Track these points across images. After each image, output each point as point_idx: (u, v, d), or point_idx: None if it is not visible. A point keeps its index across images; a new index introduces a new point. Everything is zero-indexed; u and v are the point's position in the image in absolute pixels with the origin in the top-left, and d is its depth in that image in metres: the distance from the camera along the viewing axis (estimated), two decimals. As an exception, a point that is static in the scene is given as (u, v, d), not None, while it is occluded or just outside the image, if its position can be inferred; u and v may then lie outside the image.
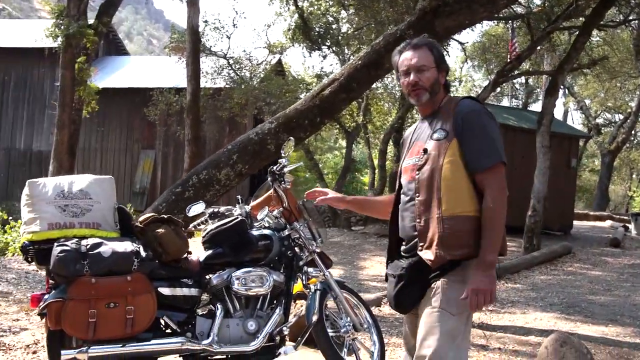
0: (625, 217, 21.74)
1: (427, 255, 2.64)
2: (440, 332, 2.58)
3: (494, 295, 2.54)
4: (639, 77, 25.42)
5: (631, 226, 17.74)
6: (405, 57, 2.80)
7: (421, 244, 2.68)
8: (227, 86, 19.51)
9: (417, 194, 2.71)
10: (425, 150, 2.72)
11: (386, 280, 2.93)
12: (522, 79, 27.58)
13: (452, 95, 2.87)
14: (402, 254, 2.85)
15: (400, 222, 2.86)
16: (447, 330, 2.58)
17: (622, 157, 32.88)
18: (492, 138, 2.67)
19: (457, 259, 2.61)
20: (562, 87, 20.57)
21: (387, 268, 2.94)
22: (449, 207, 2.62)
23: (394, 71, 3.06)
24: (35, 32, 15.12)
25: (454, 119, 2.69)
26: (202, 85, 17.01)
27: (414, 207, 2.73)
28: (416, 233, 2.71)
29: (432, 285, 2.65)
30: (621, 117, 31.26)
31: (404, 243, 2.85)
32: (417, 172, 2.73)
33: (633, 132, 29.56)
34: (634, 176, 40.02)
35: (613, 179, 34.88)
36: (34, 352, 4.80)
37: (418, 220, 2.70)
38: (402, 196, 2.87)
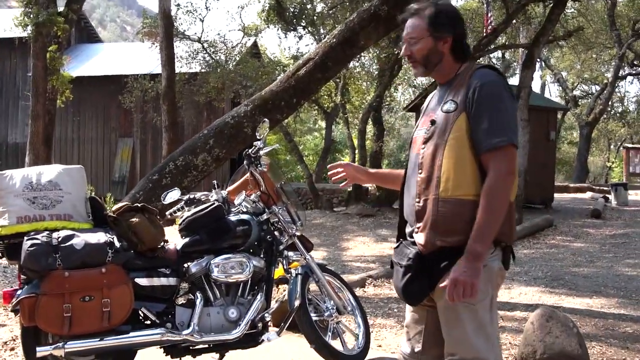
0: (605, 188, 21.94)
1: (419, 238, 2.41)
2: (466, 325, 2.37)
3: (476, 289, 2.26)
4: (614, 48, 25.56)
5: (611, 197, 17.88)
6: (404, 27, 2.56)
7: (417, 226, 2.43)
8: (202, 70, 19.32)
9: (420, 170, 2.45)
10: (432, 122, 2.46)
11: (391, 267, 2.65)
12: (499, 53, 27.58)
13: (474, 62, 2.58)
14: (408, 237, 2.55)
15: (405, 199, 2.60)
16: (472, 321, 2.37)
17: (600, 128, 33.14)
18: (504, 115, 2.37)
19: (449, 246, 2.34)
20: (538, 59, 20.60)
21: (394, 252, 2.64)
22: (447, 188, 2.35)
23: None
24: (5, 22, 14.83)
25: (467, 89, 2.40)
26: (177, 71, 16.83)
27: (416, 184, 2.47)
28: (414, 214, 2.47)
29: (444, 277, 2.35)
30: (598, 88, 31.44)
31: (408, 224, 2.58)
32: (423, 146, 2.47)
33: (610, 103, 29.72)
34: (612, 147, 40.41)
35: (592, 151, 35.21)
36: (12, 349, 4.69)
37: (417, 199, 2.44)
38: (407, 170, 2.61)
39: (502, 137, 2.33)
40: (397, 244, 2.63)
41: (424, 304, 2.53)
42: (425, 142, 2.46)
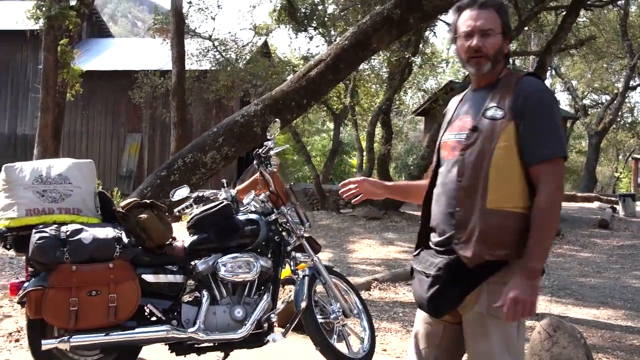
0: (613, 198, 21.83)
1: (464, 251, 2.27)
2: (492, 339, 2.29)
3: (534, 308, 2.20)
4: (625, 58, 25.45)
5: (619, 207, 17.79)
6: (468, 17, 2.39)
7: (458, 237, 2.30)
8: (212, 68, 19.29)
9: (460, 178, 2.32)
10: (475, 129, 2.33)
11: (411, 274, 2.54)
12: (509, 60, 27.52)
13: (509, 68, 2.48)
14: (434, 246, 2.43)
15: (434, 206, 2.46)
16: (499, 336, 2.29)
17: (609, 138, 32.96)
18: (556, 126, 2.28)
19: (499, 260, 2.26)
20: (549, 68, 20.50)
21: (414, 259, 2.52)
22: (495, 199, 2.25)
23: (449, 32, 2.59)
24: (17, 14, 14.86)
25: (514, 97, 2.29)
26: (187, 68, 16.82)
27: (455, 192, 2.35)
28: (451, 224, 2.34)
29: (475, 289, 2.29)
30: (608, 98, 31.30)
31: (435, 232, 2.44)
32: (462, 152, 2.34)
33: (620, 113, 29.57)
34: (620, 157, 40.25)
35: (600, 160, 35.05)
36: (17, 340, 4.69)
37: (458, 208, 2.31)
38: (439, 176, 2.47)
39: (555, 150, 2.28)
40: (417, 251, 2.53)
41: (443, 318, 2.44)
42: (466, 148, 2.34)
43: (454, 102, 2.61)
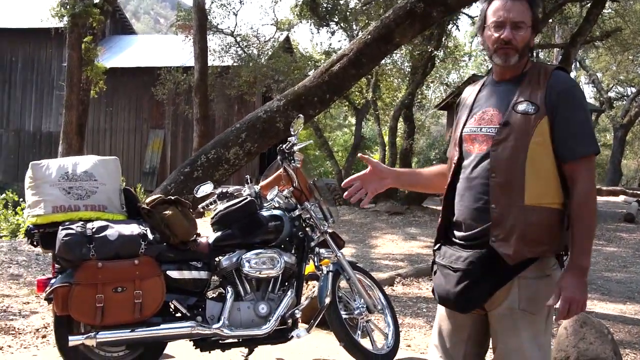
0: (639, 192, 21.54)
1: (504, 249, 2.23)
2: (522, 334, 2.27)
3: (586, 305, 2.21)
4: (652, 50, 25.08)
5: (645, 201, 17.55)
6: (500, 7, 2.34)
7: (495, 234, 2.25)
8: (235, 64, 19.36)
9: (493, 174, 2.28)
10: (506, 123, 2.29)
11: (432, 269, 2.51)
12: (534, 53, 27.25)
13: (533, 61, 2.44)
14: (458, 240, 2.39)
15: (459, 202, 2.40)
16: (530, 332, 2.27)
17: (634, 130, 32.55)
18: (590, 123, 2.32)
19: (535, 257, 2.23)
20: (573, 60, 20.28)
21: (435, 255, 2.50)
22: (534, 196, 2.23)
23: (477, 21, 2.52)
24: (42, 12, 15.02)
25: (548, 92, 2.26)
26: (209, 64, 16.88)
27: (487, 188, 2.30)
28: (485, 219, 2.29)
29: (506, 284, 2.26)
30: (633, 90, 30.88)
31: (459, 227, 2.40)
32: (494, 148, 2.30)
33: (646, 105, 29.19)
34: (646, 150, 39.69)
35: (625, 154, 34.58)
36: (44, 337, 4.74)
37: (493, 205, 2.27)
38: (465, 170, 2.41)
39: (590, 146, 2.27)
40: (437, 245, 2.50)
41: (472, 313, 2.40)
42: (498, 143, 2.29)
43: (469, 91, 2.56)
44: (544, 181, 2.26)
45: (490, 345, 2.42)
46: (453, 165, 2.48)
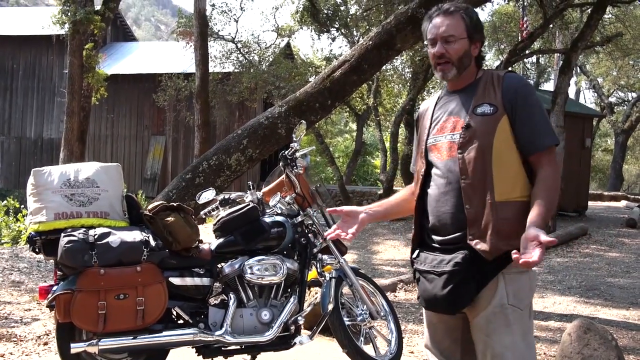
0: (641, 197, 21.52)
1: (481, 245, 2.31)
2: (515, 331, 2.33)
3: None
4: (652, 55, 25.08)
5: (647, 206, 17.52)
6: (433, 24, 2.48)
7: (472, 233, 2.34)
8: (235, 70, 19.36)
9: (463, 176, 2.37)
10: (468, 126, 2.39)
11: (414, 277, 2.55)
12: (534, 58, 27.26)
13: (484, 69, 2.56)
14: (438, 245, 2.46)
15: (435, 208, 2.47)
16: (520, 327, 2.35)
17: (635, 136, 32.58)
18: (546, 117, 2.43)
19: (511, 249, 2.22)
20: (574, 65, 20.28)
21: (413, 262, 2.56)
22: (503, 192, 2.33)
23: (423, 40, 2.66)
24: (43, 19, 15.04)
25: (504, 93, 2.38)
26: (210, 70, 16.88)
27: (458, 192, 2.39)
28: (460, 221, 2.37)
29: (491, 281, 2.34)
30: (634, 95, 30.87)
31: (437, 232, 2.47)
32: (460, 151, 2.39)
33: (647, 110, 29.17)
34: (647, 155, 39.64)
35: (627, 159, 34.56)
36: (45, 344, 4.73)
37: (467, 206, 2.35)
38: (435, 178, 2.49)
39: (552, 138, 2.39)
40: (416, 253, 2.56)
41: (457, 315, 2.46)
42: (463, 146, 2.39)
43: (427, 104, 2.67)
44: (511, 177, 2.35)
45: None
46: (420, 177, 2.57)
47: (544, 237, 2.14)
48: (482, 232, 2.33)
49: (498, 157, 2.35)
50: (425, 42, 2.54)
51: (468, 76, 2.50)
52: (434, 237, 2.49)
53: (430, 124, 2.57)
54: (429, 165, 2.54)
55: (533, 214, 2.26)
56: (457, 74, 2.47)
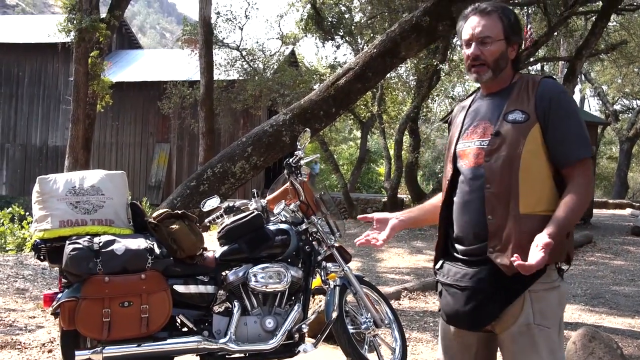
0: (646, 205, 21.47)
1: (501, 259, 2.20)
2: (541, 351, 2.22)
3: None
4: (657, 63, 25.05)
5: (652, 214, 17.48)
6: (469, 25, 2.37)
7: (493, 245, 2.23)
8: (240, 78, 19.38)
9: (488, 185, 2.26)
10: (497, 134, 2.28)
11: (436, 289, 2.47)
12: (538, 66, 27.28)
13: (521, 73, 2.44)
14: (461, 256, 2.36)
15: (459, 216, 2.37)
16: (547, 345, 2.22)
17: (640, 143, 32.49)
18: (583, 127, 2.27)
19: None
20: (579, 73, 20.27)
21: (436, 273, 2.46)
22: (528, 204, 2.20)
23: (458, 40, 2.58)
24: (48, 27, 15.11)
25: (537, 100, 2.26)
26: (215, 78, 16.92)
27: (482, 200, 2.28)
28: (482, 232, 2.27)
29: (517, 299, 2.23)
30: (639, 103, 30.86)
31: (461, 242, 2.37)
32: (487, 159, 2.28)
33: (652, 118, 29.14)
34: (652, 163, 39.56)
35: (632, 167, 34.49)
36: (50, 351, 4.74)
37: (490, 217, 2.24)
38: (461, 185, 2.39)
39: (587, 150, 2.26)
40: (440, 264, 2.46)
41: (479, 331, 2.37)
42: (490, 154, 2.29)
43: (460, 108, 2.56)
44: (538, 189, 2.24)
45: None
46: (447, 182, 2.48)
47: (542, 239, 2.07)
48: (503, 246, 2.22)
49: (526, 167, 2.23)
50: (459, 42, 2.44)
51: (503, 80, 2.39)
52: (458, 247, 2.39)
53: (461, 128, 2.47)
54: (457, 172, 2.44)
55: (552, 219, 2.16)
56: (492, 77, 2.37)
